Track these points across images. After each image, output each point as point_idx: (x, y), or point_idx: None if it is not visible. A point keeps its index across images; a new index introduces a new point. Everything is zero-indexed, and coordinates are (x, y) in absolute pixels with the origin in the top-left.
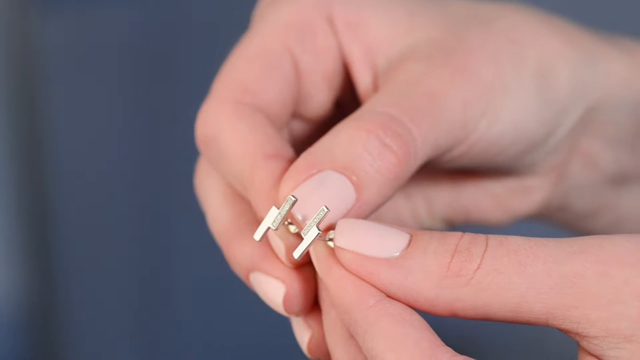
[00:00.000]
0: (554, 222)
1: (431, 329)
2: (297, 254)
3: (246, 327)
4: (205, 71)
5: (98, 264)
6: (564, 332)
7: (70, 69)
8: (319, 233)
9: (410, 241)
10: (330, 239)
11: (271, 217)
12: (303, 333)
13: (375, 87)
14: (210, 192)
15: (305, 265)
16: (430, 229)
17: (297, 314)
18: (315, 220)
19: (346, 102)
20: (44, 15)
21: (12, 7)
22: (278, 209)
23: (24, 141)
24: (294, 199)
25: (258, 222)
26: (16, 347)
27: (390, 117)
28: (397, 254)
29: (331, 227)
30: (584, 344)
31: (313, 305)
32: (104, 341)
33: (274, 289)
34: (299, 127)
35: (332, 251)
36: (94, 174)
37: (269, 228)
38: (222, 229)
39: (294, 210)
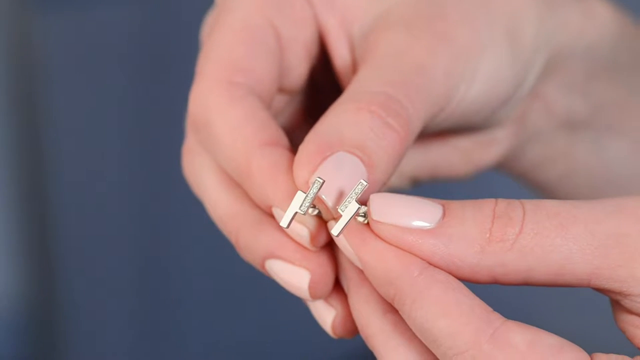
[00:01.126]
0: (508, 172)
1: (478, 298)
2: (336, 230)
3: (246, 326)
4: None
5: (98, 264)
6: (604, 292)
7: (70, 69)
8: (359, 207)
9: (444, 211)
10: (361, 215)
11: (298, 202)
12: (325, 314)
13: (352, 57)
14: (205, 175)
15: (324, 248)
16: (397, 187)
17: (321, 298)
18: (353, 195)
19: (318, 72)
20: (44, 15)
21: (12, 7)
22: (304, 193)
23: (23, 141)
24: (321, 180)
25: (263, 210)
26: (16, 347)
27: (388, 96)
28: (434, 224)
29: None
30: (625, 302)
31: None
32: (104, 341)
33: (298, 276)
34: (276, 100)
35: (364, 226)
36: (94, 174)
37: (296, 213)
38: (226, 216)
39: (321, 192)
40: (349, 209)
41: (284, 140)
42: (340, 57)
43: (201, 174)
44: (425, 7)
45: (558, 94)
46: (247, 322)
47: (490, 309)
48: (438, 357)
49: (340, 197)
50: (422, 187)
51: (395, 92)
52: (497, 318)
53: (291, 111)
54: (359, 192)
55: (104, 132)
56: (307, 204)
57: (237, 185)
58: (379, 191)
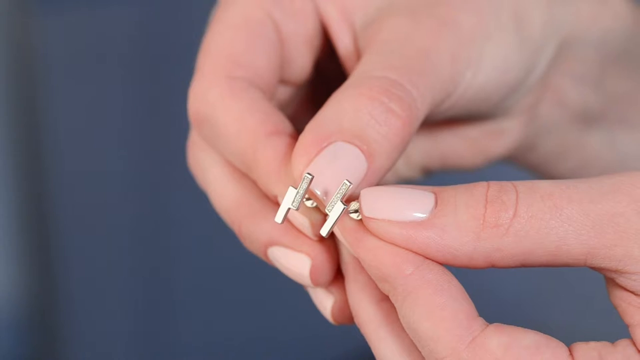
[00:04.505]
0: (522, 164)
1: (467, 297)
2: (324, 231)
3: (246, 326)
4: None
5: (98, 264)
6: (600, 271)
7: (70, 69)
8: (344, 208)
9: (436, 199)
10: (354, 211)
11: (290, 198)
12: (325, 300)
13: (355, 46)
14: (210, 168)
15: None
16: (407, 178)
17: (322, 285)
18: (338, 195)
19: (324, 64)
20: (44, 15)
21: (12, 7)
22: (295, 188)
23: (23, 141)
24: (310, 176)
25: (269, 199)
26: (16, 347)
27: (390, 80)
28: (427, 214)
29: (351, 198)
30: (621, 280)
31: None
32: (104, 341)
33: (300, 263)
34: (281, 92)
35: (357, 222)
36: (94, 174)
37: (289, 209)
38: (231, 207)
39: (314, 186)
40: (335, 209)
41: (288, 127)
42: (343, 46)
43: (205, 167)
44: None
45: (570, 85)
46: (248, 322)
47: (474, 313)
48: (424, 356)
49: (332, 188)
50: (434, 177)
51: (397, 76)
52: (478, 325)
53: (299, 102)
54: (344, 192)
55: (104, 132)
56: (298, 200)
57: (242, 175)
58: (384, 180)
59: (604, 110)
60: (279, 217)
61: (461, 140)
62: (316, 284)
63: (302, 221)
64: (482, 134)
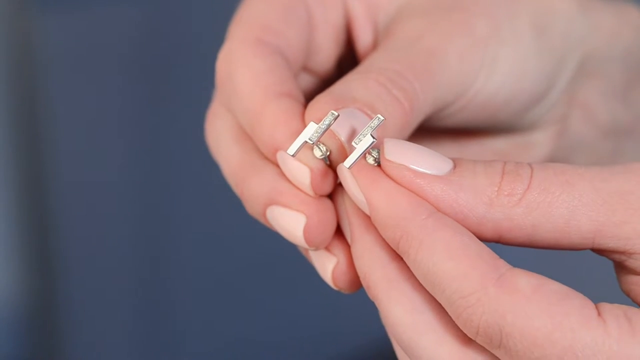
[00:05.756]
0: None
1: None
2: (348, 162)
3: (246, 326)
4: (206, 70)
5: (98, 264)
6: (607, 254)
7: (71, 69)
8: (374, 141)
9: (454, 164)
10: (373, 157)
11: (309, 132)
12: (326, 262)
13: (375, 45)
14: (221, 135)
15: (325, 196)
16: None
17: (318, 246)
18: (370, 127)
19: (346, 63)
20: (44, 15)
21: (12, 6)
22: (316, 124)
23: (23, 141)
24: (336, 114)
25: (268, 159)
26: (16, 347)
27: (395, 71)
28: (445, 173)
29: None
30: (630, 262)
31: (332, 236)
32: (104, 341)
33: (294, 221)
34: (303, 81)
35: (374, 168)
36: (93, 174)
37: (305, 142)
38: (234, 168)
39: (338, 126)
40: (364, 141)
41: (301, 97)
42: (364, 44)
43: (220, 135)
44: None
45: (598, 100)
46: (248, 323)
47: (497, 256)
48: (442, 303)
49: (353, 134)
50: None
51: (402, 69)
52: (503, 264)
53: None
54: (375, 126)
55: (104, 132)
56: (317, 135)
57: (247, 138)
58: None
59: (633, 124)
60: (292, 148)
61: (489, 153)
62: (310, 244)
63: (302, 177)
64: (509, 147)
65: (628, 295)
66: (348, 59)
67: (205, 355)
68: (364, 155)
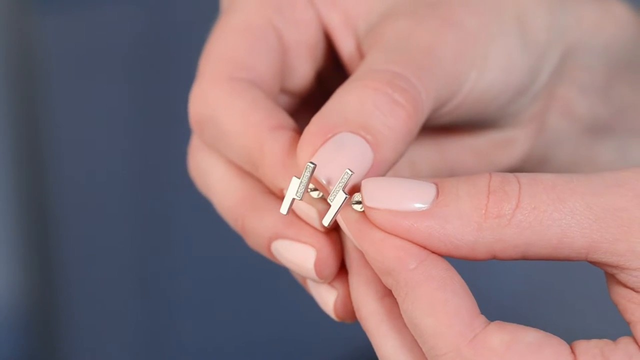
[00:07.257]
0: None
1: (470, 294)
2: (326, 221)
3: (246, 327)
4: None
5: (98, 264)
6: (601, 266)
7: (71, 69)
8: (346, 197)
9: (437, 190)
10: (358, 202)
11: (294, 188)
12: (327, 295)
13: (359, 51)
14: (211, 170)
15: (330, 230)
16: None
17: (327, 278)
18: (340, 184)
19: (327, 75)
20: (44, 15)
21: (12, 7)
22: (298, 178)
23: (24, 141)
24: (312, 165)
25: (273, 195)
26: (16, 347)
27: (393, 73)
28: (429, 205)
29: (355, 190)
30: (622, 276)
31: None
32: (104, 341)
33: (305, 255)
34: (282, 102)
35: (361, 214)
36: (93, 174)
37: (294, 199)
38: (233, 204)
39: (318, 175)
40: (337, 199)
41: (292, 124)
42: (347, 53)
43: (207, 170)
44: None
45: (577, 95)
46: (248, 323)
47: (477, 311)
48: (424, 352)
49: (341, 168)
50: None
51: (400, 70)
52: (480, 322)
53: (301, 114)
54: (345, 181)
55: (104, 132)
56: (302, 190)
57: (245, 174)
58: (384, 174)
59: (612, 121)
60: (283, 208)
61: (468, 151)
62: (321, 276)
63: (308, 211)
64: (489, 144)
65: (616, 305)
66: (329, 70)
67: (205, 356)
68: (348, 204)
